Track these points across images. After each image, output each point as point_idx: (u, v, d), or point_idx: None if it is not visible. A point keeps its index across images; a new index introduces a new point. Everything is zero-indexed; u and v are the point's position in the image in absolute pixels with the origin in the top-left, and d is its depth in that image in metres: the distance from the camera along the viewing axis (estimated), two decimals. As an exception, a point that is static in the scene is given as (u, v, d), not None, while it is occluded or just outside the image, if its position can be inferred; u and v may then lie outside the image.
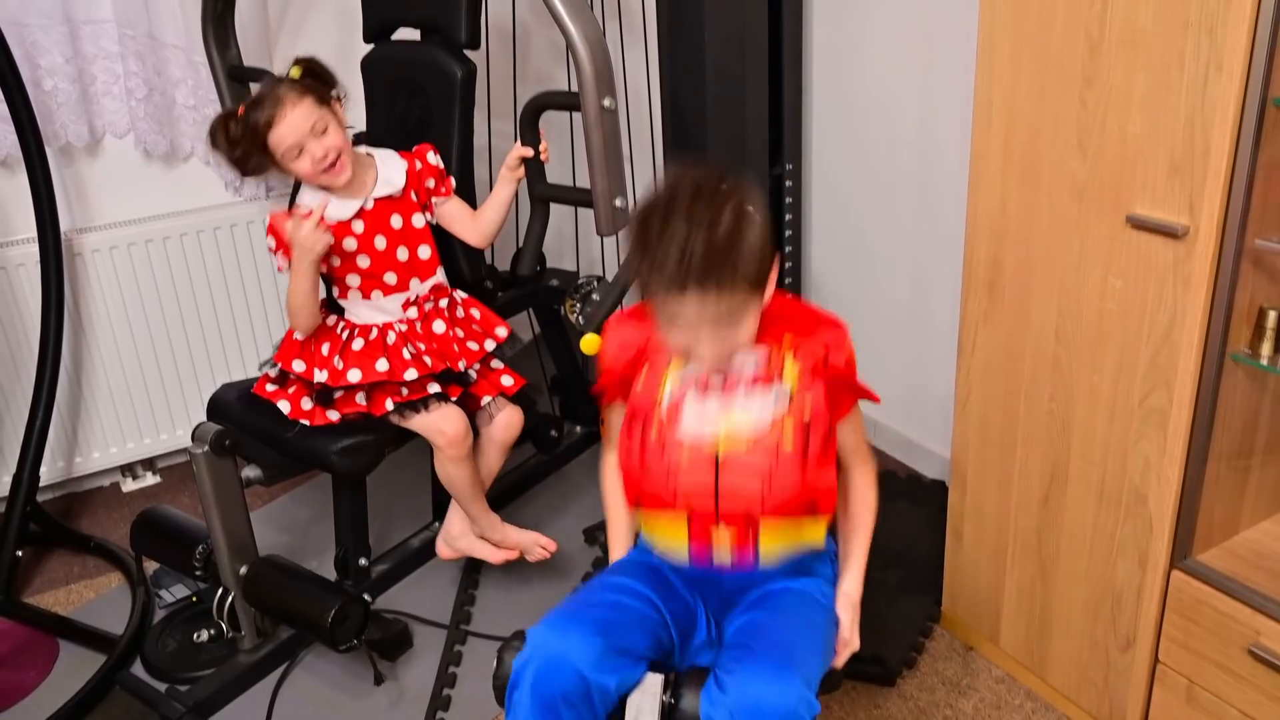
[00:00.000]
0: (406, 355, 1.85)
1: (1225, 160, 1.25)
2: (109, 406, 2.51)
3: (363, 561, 2.09)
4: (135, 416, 2.55)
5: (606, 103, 1.69)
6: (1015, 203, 1.56)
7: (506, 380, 1.97)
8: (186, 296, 2.52)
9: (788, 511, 1.31)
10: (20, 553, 2.23)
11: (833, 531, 1.47)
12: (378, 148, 1.94)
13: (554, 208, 2.11)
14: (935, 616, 2.00)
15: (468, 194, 2.03)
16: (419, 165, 1.93)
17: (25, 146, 2.09)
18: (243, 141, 1.76)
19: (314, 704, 1.90)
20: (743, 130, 2.28)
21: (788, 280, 2.61)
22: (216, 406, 1.95)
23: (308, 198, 1.86)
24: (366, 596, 2.10)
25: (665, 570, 1.40)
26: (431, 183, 1.94)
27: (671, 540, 1.35)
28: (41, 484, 2.48)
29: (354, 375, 1.82)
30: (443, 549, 2.08)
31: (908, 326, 2.47)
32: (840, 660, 1.39)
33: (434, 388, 1.84)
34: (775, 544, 1.33)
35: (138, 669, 1.98)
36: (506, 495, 2.44)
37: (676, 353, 1.27)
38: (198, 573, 1.89)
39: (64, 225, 2.37)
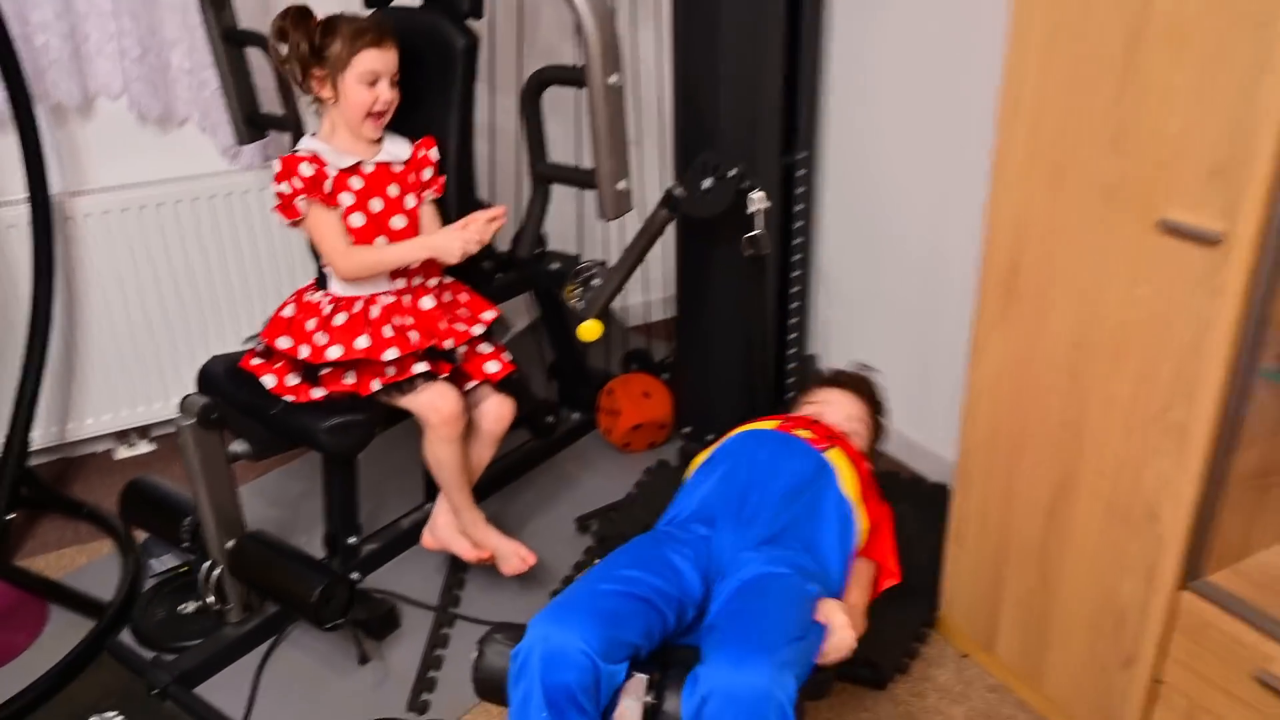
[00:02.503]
0: (388, 333, 1.75)
1: (1270, 165, 1.15)
2: (102, 373, 2.42)
3: (352, 540, 2.01)
4: (129, 384, 2.45)
5: (612, 79, 1.59)
6: (1039, 202, 1.46)
7: (491, 366, 1.86)
8: (181, 264, 2.41)
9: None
10: (12, 516, 2.14)
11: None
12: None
13: (558, 188, 2.01)
14: (931, 622, 1.91)
15: (465, 173, 1.92)
16: (422, 153, 1.84)
17: (15, 104, 1.98)
18: (325, 42, 1.69)
19: (299, 680, 1.81)
20: (755, 116, 2.17)
21: (796, 273, 2.50)
22: (206, 379, 1.86)
23: (310, 144, 1.77)
24: (356, 575, 2.02)
25: (669, 549, 1.32)
26: (428, 173, 1.84)
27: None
28: (35, 448, 2.40)
29: (334, 352, 1.72)
30: (426, 538, 1.99)
31: (917, 325, 2.36)
32: (830, 657, 1.32)
33: (420, 367, 1.74)
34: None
35: (127, 636, 1.90)
36: (499, 480, 2.34)
37: None
38: (184, 544, 1.81)
39: (56, 187, 2.28)
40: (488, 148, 2.28)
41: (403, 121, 1.86)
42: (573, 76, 1.66)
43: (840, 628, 1.32)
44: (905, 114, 2.24)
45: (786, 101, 2.27)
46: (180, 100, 2.36)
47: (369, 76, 1.71)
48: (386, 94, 1.73)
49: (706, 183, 1.97)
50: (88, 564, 2.14)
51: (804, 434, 1.61)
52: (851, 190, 2.47)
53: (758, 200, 1.95)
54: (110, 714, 1.72)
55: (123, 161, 2.37)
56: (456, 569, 2.07)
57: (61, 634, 1.92)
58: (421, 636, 1.91)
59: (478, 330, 1.86)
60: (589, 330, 2.05)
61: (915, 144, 2.23)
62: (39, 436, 2.39)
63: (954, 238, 2.16)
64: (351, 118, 1.75)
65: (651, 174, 2.99)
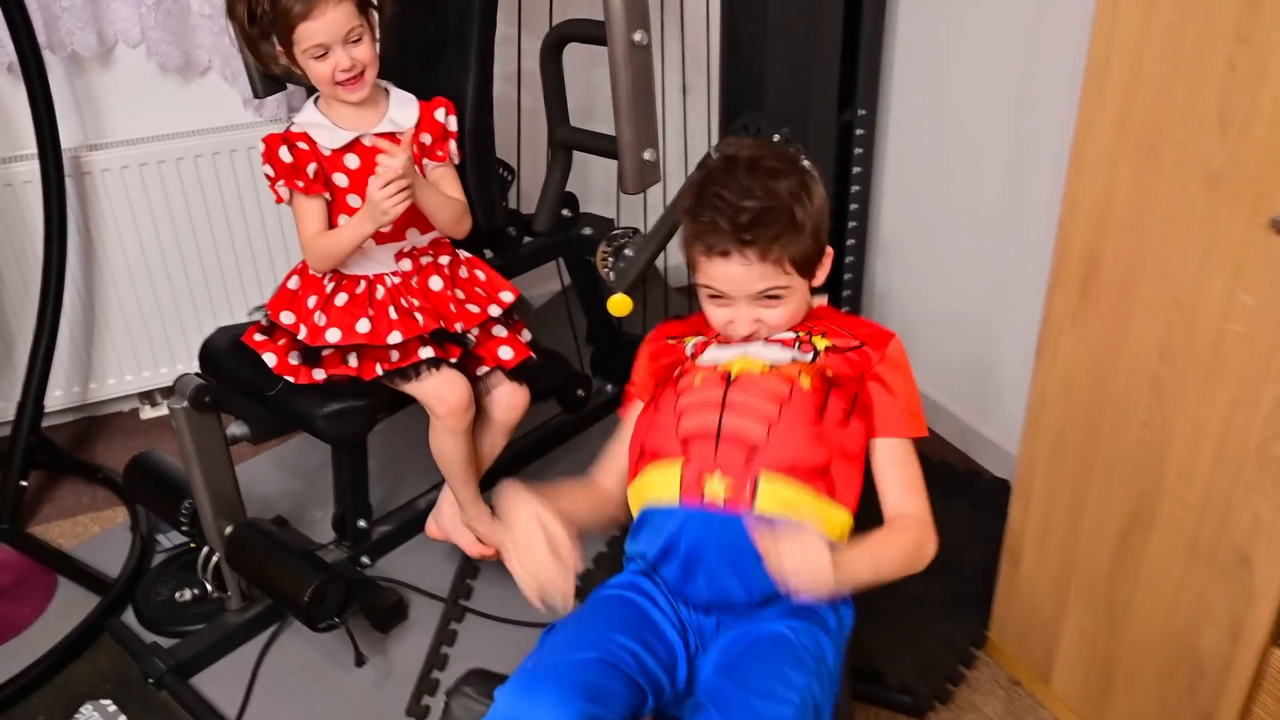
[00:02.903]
0: (393, 314, 1.60)
1: None
2: (123, 332, 2.33)
3: (362, 524, 1.89)
4: (150, 344, 2.36)
5: (638, 37, 1.38)
6: (1126, 185, 1.23)
7: (506, 352, 1.69)
8: (203, 220, 2.29)
9: (794, 463, 1.16)
10: (25, 482, 2.08)
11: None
12: (397, 88, 1.67)
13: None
14: (980, 642, 1.72)
15: (484, 136, 1.74)
16: (428, 117, 1.66)
17: (21, 54, 1.86)
18: (264, 20, 1.52)
19: (298, 673, 1.72)
20: (809, 67, 1.93)
21: (851, 241, 2.28)
22: (207, 353, 1.74)
23: (305, 117, 1.61)
24: (365, 560, 1.91)
25: (647, 604, 1.15)
26: (428, 139, 1.65)
27: (663, 490, 1.20)
28: (59, 408, 2.35)
29: (333, 335, 1.57)
30: (430, 527, 1.87)
31: (985, 301, 2.13)
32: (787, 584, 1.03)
33: (426, 352, 1.59)
34: (774, 504, 1.15)
35: (130, 616, 1.83)
36: (523, 458, 2.20)
37: (712, 325, 1.25)
38: (184, 528, 1.71)
39: (74, 141, 2.17)
40: (516, 94, 2.06)
41: (417, 79, 1.69)
42: (594, 33, 1.46)
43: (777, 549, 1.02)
44: (982, 68, 1.98)
45: (845, 52, 2.03)
46: (201, 48, 2.23)
47: (314, 50, 1.51)
48: (344, 60, 1.52)
49: None
50: (101, 534, 2.07)
51: (717, 489, 1.17)
52: (917, 151, 2.22)
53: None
54: (105, 703, 1.66)
55: (144, 113, 2.25)
56: (470, 558, 1.95)
57: (67, 610, 1.85)
58: (430, 629, 1.79)
59: (494, 312, 1.70)
60: (619, 304, 1.87)
61: (992, 101, 1.98)
62: (61, 397, 2.33)
63: (1033, 209, 1.92)
64: (324, 90, 1.58)
65: (700, 128, 2.77)
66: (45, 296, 2.06)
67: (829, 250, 1.24)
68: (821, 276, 1.25)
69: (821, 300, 1.35)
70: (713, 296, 1.22)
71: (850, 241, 2.28)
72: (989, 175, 2.03)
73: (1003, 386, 2.13)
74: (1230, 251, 1.11)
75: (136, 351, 2.37)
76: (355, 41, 1.53)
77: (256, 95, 2.11)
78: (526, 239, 2.03)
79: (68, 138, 2.15)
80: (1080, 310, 1.34)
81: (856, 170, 2.20)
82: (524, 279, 2.22)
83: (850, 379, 1.23)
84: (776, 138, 1.75)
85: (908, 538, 1.20)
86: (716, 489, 1.16)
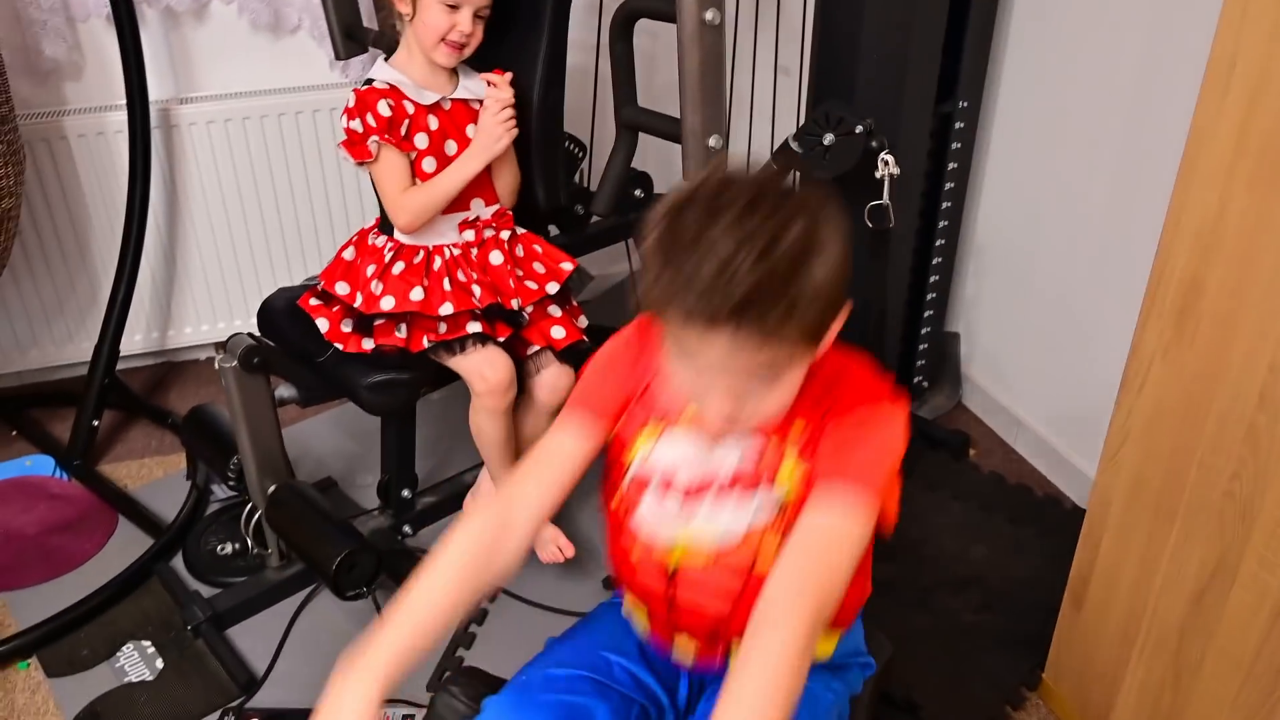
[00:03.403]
0: (447, 286, 1.56)
1: None
2: (202, 283, 2.36)
3: (406, 493, 1.87)
4: (227, 295, 2.39)
5: (709, 15, 1.29)
6: (1240, 207, 1.08)
7: (558, 332, 1.63)
8: (284, 178, 2.30)
9: None
10: (97, 422, 2.13)
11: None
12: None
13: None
14: (1033, 683, 1.60)
15: (554, 113, 1.67)
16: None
17: (115, 6, 1.88)
18: None
19: (329, 635, 1.70)
20: (906, 52, 1.80)
21: (940, 242, 2.14)
22: (264, 313, 1.73)
23: (386, 74, 1.57)
24: (407, 529, 1.89)
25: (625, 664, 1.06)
26: None
27: (637, 616, 1.06)
28: (139, 352, 2.40)
29: (387, 303, 1.54)
30: (469, 504, 1.83)
31: (1082, 316, 1.97)
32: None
33: (474, 327, 1.54)
34: None
35: (179, 561, 1.85)
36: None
37: (681, 394, 0.88)
38: (230, 483, 1.71)
39: (166, 93, 2.19)
40: (595, 64, 1.98)
41: (488, 48, 1.63)
42: (667, 9, 1.37)
43: None
44: (1101, 64, 1.81)
45: (951, 39, 1.89)
46: (291, 6, 2.22)
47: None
48: (466, 24, 1.51)
49: (828, 138, 1.65)
50: (164, 478, 2.10)
51: (686, 648, 1.03)
52: (1023, 152, 2.06)
53: (888, 165, 1.62)
54: (145, 643, 1.69)
55: (234, 69, 2.25)
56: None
57: (124, 548, 1.90)
58: (463, 606, 1.76)
59: (552, 289, 1.64)
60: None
61: (1109, 101, 1.81)
62: (141, 341, 2.38)
63: (1144, 222, 1.74)
64: (424, 40, 1.55)
65: (790, 114, 2.64)
66: (126, 244, 2.09)
67: (847, 304, 0.87)
68: (832, 337, 0.90)
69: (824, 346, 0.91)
70: (682, 362, 0.85)
71: (939, 242, 2.14)
72: (1098, 182, 1.86)
73: (1095, 410, 1.96)
74: (1352, 292, 0.97)
75: (214, 302, 2.40)
76: (480, 18, 1.54)
77: (338, 56, 2.10)
78: (594, 220, 1.96)
79: (159, 90, 2.17)
80: (1174, 343, 1.20)
81: (952, 166, 2.06)
82: (591, 259, 2.17)
83: None
84: (859, 129, 1.63)
85: (781, 687, 0.78)
86: (686, 648, 1.02)
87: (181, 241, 2.32)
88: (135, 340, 2.36)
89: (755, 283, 0.76)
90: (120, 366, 2.35)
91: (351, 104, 1.56)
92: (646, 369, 0.98)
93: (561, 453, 0.96)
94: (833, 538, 0.85)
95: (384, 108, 1.55)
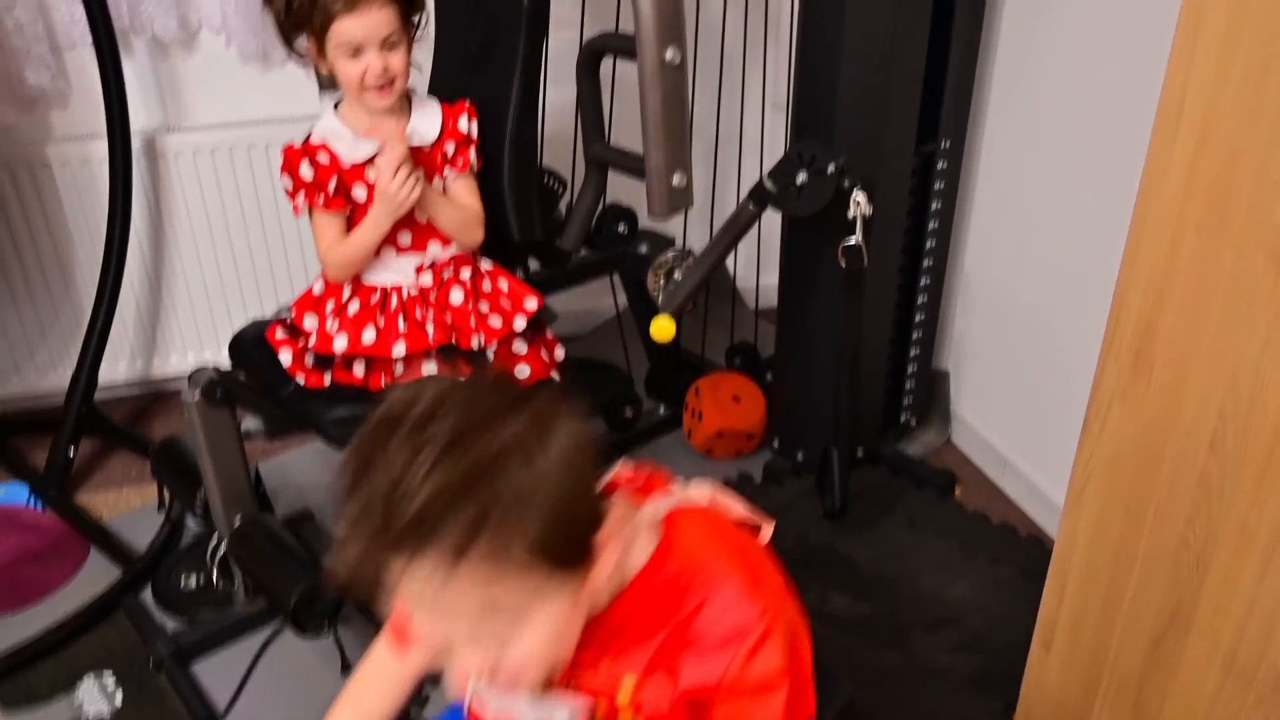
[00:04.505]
0: (402, 327, 1.58)
1: None
2: (188, 312, 2.41)
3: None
4: (213, 325, 2.43)
5: (669, 55, 1.33)
6: (1189, 252, 1.11)
7: (522, 370, 1.66)
8: (270, 209, 2.34)
9: None
10: (73, 452, 2.16)
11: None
12: (422, 94, 1.68)
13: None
14: (1006, 727, 1.61)
15: (525, 145, 1.71)
16: (451, 124, 1.64)
17: (96, 34, 1.93)
18: (301, 10, 1.51)
19: (293, 673, 1.72)
20: (886, 92, 1.84)
21: (925, 281, 2.16)
22: (236, 345, 1.77)
23: (325, 124, 1.61)
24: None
25: None
26: (451, 148, 1.63)
27: None
28: (124, 381, 2.44)
29: (339, 343, 1.57)
30: None
31: (1066, 354, 1.98)
32: None
33: (429, 368, 1.57)
34: None
35: (149, 594, 1.87)
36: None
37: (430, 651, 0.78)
38: (198, 515, 1.75)
39: (153, 122, 2.25)
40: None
41: (463, 83, 1.68)
42: (629, 48, 1.41)
43: None
44: (1086, 104, 1.84)
45: (931, 77, 1.93)
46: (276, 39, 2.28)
47: (347, 49, 1.50)
48: (376, 64, 1.50)
49: (801, 177, 1.69)
50: (140, 508, 2.13)
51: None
52: (1008, 190, 2.09)
53: (860, 204, 1.65)
54: (106, 678, 1.71)
55: (223, 99, 2.30)
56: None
57: (93, 579, 1.92)
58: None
59: (519, 325, 1.67)
60: (661, 330, 1.82)
61: (1086, 143, 1.84)
62: (125, 370, 2.42)
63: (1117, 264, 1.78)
64: (350, 92, 1.57)
65: (779, 147, 2.69)
66: (105, 273, 2.13)
67: (609, 518, 0.76)
68: (605, 569, 0.75)
69: (646, 550, 0.81)
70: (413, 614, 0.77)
71: (925, 281, 2.17)
72: (1081, 220, 1.89)
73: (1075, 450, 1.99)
74: (1295, 339, 0.99)
75: (200, 331, 2.45)
76: (391, 48, 1.52)
77: (321, 87, 2.15)
78: (575, 254, 2.00)
79: (146, 119, 2.23)
80: (1131, 385, 1.22)
81: (936, 206, 2.09)
82: (578, 293, 2.20)
83: None
84: (831, 169, 1.67)
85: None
86: None
87: (167, 271, 2.37)
88: (119, 369, 2.41)
89: (429, 496, 0.65)
90: (105, 396, 2.40)
91: (280, 162, 1.60)
92: None
93: (383, 675, 0.92)
94: None
95: (306, 170, 1.57)
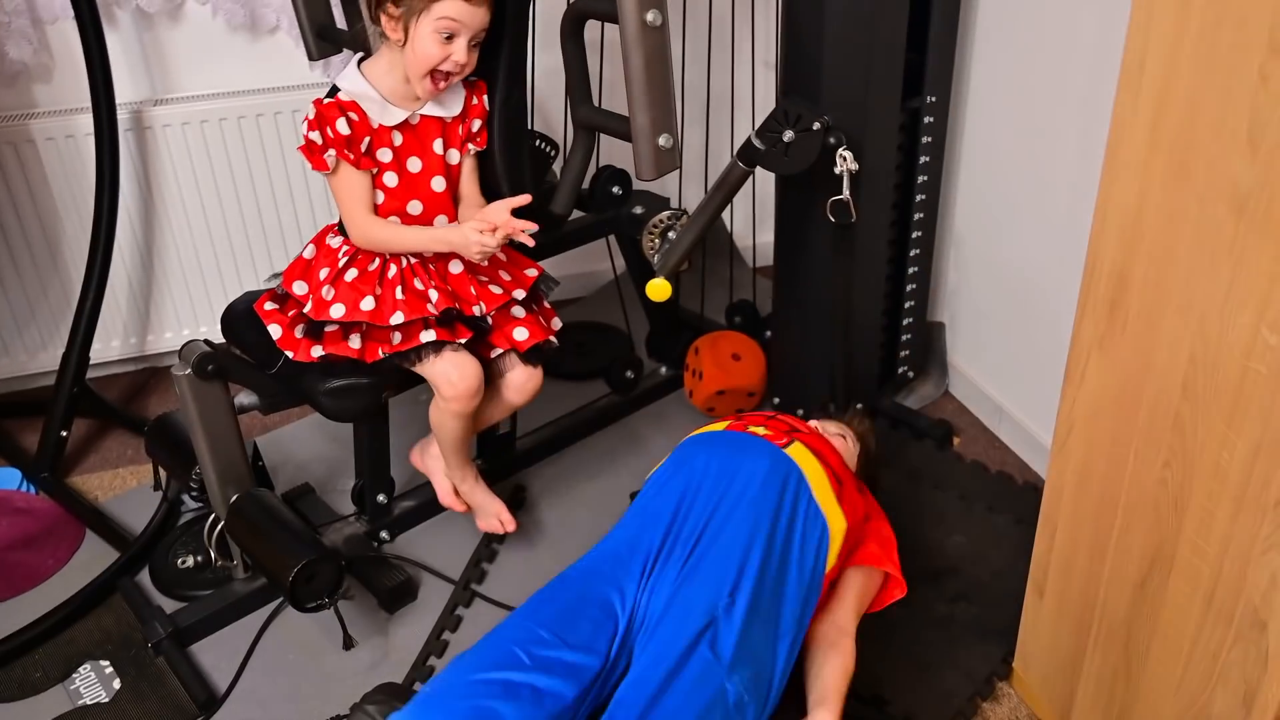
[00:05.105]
0: (400, 295, 1.63)
1: None
2: (181, 286, 2.48)
3: (381, 498, 1.97)
4: (208, 298, 2.50)
5: (650, 17, 1.38)
6: (1156, 203, 1.17)
7: (520, 333, 1.71)
8: (262, 180, 2.40)
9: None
10: (66, 432, 2.22)
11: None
12: None
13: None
14: (1005, 673, 1.69)
15: (515, 122, 1.75)
16: (475, 101, 1.69)
17: (77, 7, 1.96)
18: None
19: (294, 651, 1.79)
20: (871, 49, 1.89)
21: (916, 234, 2.22)
22: (228, 318, 1.83)
23: (353, 85, 1.63)
24: (384, 535, 1.99)
25: (602, 592, 1.16)
26: (477, 125, 1.70)
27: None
28: (118, 358, 2.51)
29: (337, 310, 1.62)
30: (414, 454, 1.92)
31: (1056, 303, 2.05)
32: None
33: (427, 336, 1.62)
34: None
35: (145, 575, 1.93)
36: (565, 439, 2.25)
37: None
38: (194, 493, 1.82)
39: (140, 95, 2.30)
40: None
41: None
42: (610, 11, 1.46)
43: None
44: (1061, 63, 1.89)
45: (915, 34, 1.98)
46: (268, 6, 2.32)
47: (446, 28, 1.52)
48: (461, 55, 1.55)
49: (787, 135, 1.74)
50: (136, 488, 2.20)
51: (759, 430, 1.57)
52: (995, 144, 2.15)
53: (846, 160, 1.71)
54: (103, 663, 1.75)
55: (211, 70, 2.36)
56: (490, 539, 2.01)
57: (88, 564, 1.97)
58: (438, 612, 1.86)
59: (518, 295, 1.73)
60: (657, 289, 1.89)
61: (1065, 95, 1.89)
62: (119, 347, 2.49)
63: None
64: (413, 69, 1.59)
65: (770, 105, 2.73)
66: (94, 249, 2.18)
67: None
68: None
69: None
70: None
71: (916, 234, 2.23)
72: (1067, 171, 1.94)
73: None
74: (1258, 283, 1.05)
75: (195, 305, 2.51)
76: (475, 46, 1.57)
77: (311, 57, 2.18)
78: (568, 217, 2.05)
79: (133, 92, 2.29)
80: (1108, 334, 1.29)
81: (924, 160, 2.15)
82: (577, 256, 2.26)
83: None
84: (816, 126, 1.72)
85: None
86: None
87: (159, 245, 2.43)
88: (113, 346, 2.48)
89: None
90: (99, 373, 2.47)
91: (311, 115, 1.61)
92: None
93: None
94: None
95: (343, 125, 1.60)
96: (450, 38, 1.53)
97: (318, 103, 1.62)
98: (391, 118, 1.64)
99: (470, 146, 1.72)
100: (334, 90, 1.65)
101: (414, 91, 1.63)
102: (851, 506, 1.55)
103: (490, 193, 1.77)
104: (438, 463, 1.87)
